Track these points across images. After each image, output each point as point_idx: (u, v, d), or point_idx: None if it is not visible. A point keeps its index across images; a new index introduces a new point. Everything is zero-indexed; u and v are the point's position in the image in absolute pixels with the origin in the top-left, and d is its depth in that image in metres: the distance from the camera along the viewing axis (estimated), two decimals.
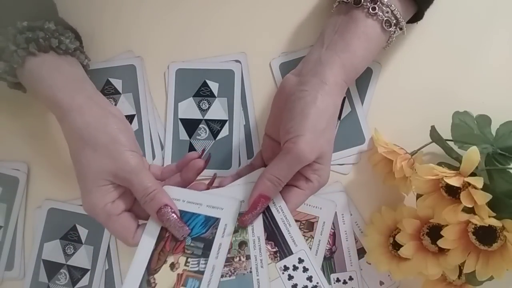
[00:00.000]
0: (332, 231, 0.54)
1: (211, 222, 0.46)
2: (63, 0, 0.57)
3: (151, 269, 0.45)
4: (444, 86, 0.56)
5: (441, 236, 0.46)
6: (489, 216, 0.44)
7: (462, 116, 0.51)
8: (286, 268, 0.44)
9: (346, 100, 0.56)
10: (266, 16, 0.57)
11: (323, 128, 0.46)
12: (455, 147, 0.50)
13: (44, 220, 0.54)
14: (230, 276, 0.44)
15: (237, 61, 0.56)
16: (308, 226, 0.54)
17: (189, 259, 0.45)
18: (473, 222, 0.44)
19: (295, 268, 0.44)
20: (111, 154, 0.45)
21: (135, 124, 0.56)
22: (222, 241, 0.44)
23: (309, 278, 0.44)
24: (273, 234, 0.45)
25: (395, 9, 0.48)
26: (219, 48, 0.57)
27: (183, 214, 0.46)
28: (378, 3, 0.48)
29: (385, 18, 0.48)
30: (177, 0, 0.57)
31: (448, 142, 0.50)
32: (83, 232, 0.54)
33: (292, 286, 0.44)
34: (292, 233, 0.45)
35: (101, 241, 0.54)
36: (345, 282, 0.54)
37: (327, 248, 0.54)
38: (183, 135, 0.56)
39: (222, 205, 0.46)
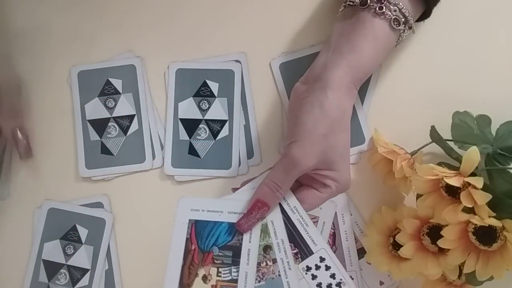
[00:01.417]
0: (332, 231, 0.54)
1: (236, 229, 0.46)
2: (63, 0, 0.57)
3: (184, 285, 0.45)
4: (444, 86, 0.56)
5: (441, 236, 0.46)
6: (489, 216, 0.44)
7: (462, 116, 0.51)
8: (308, 268, 0.44)
9: None
10: (266, 16, 0.57)
11: (323, 133, 0.45)
12: (455, 147, 0.50)
13: (44, 220, 0.54)
14: (259, 281, 0.44)
15: (237, 61, 0.56)
16: None
17: (220, 269, 0.45)
18: (473, 222, 0.44)
19: (317, 267, 0.44)
20: None
21: (135, 124, 0.56)
22: (250, 246, 0.44)
23: (332, 276, 0.44)
24: (292, 235, 0.45)
25: (403, 7, 0.48)
26: (219, 48, 0.57)
27: (206, 224, 0.46)
28: (385, 2, 0.47)
29: (393, 17, 0.47)
30: (177, 0, 0.57)
31: (448, 142, 0.50)
32: (83, 232, 0.54)
33: (317, 285, 0.44)
34: (310, 232, 0.44)
35: (101, 241, 0.54)
36: None
37: None
38: (183, 135, 0.56)
39: (244, 210, 0.46)
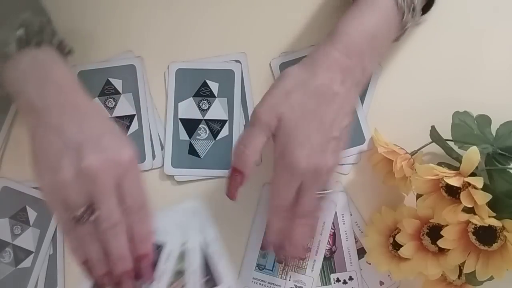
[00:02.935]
0: (332, 231, 0.54)
1: (155, 248, 0.48)
2: (63, 0, 0.57)
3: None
4: (444, 86, 0.56)
5: (441, 236, 0.46)
6: (489, 216, 0.44)
7: (462, 116, 0.51)
8: None
9: None
10: (266, 16, 0.57)
11: (286, 89, 0.46)
12: (455, 147, 0.50)
13: None
14: None
15: (237, 61, 0.56)
16: None
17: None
18: (473, 222, 0.44)
19: None
20: None
21: (135, 124, 0.56)
22: (165, 267, 0.49)
23: None
24: (205, 264, 0.51)
25: None
26: (219, 48, 0.57)
27: None
28: None
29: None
30: (177, 0, 0.57)
31: (448, 142, 0.50)
32: (32, 215, 0.54)
33: None
34: (223, 265, 0.51)
35: (49, 226, 0.54)
36: (345, 282, 0.54)
37: (327, 248, 0.54)
38: (183, 135, 0.56)
39: (169, 231, 0.50)
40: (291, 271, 0.53)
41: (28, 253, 0.53)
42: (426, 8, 0.52)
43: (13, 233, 0.54)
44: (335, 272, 0.54)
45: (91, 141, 0.43)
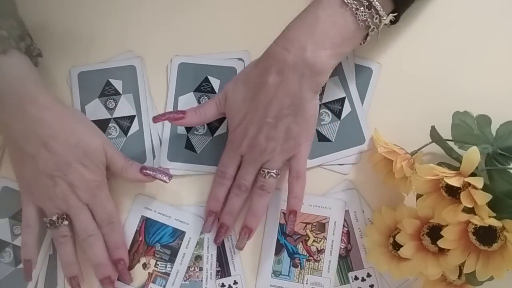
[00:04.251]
0: (346, 229, 0.54)
1: (178, 234, 0.54)
2: (63, 0, 0.57)
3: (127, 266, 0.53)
4: (444, 86, 0.56)
5: (441, 236, 0.46)
6: (489, 216, 0.44)
7: (462, 116, 0.51)
8: (223, 285, 0.54)
9: (346, 100, 0.56)
10: (270, 15, 0.57)
11: (237, 78, 0.52)
12: (455, 147, 0.50)
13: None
14: (185, 280, 0.54)
15: (240, 59, 0.56)
16: (319, 227, 0.54)
17: (158, 262, 0.54)
18: (473, 222, 0.44)
19: (230, 287, 0.54)
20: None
21: (135, 125, 0.56)
22: (186, 251, 0.54)
23: None
24: (220, 256, 0.54)
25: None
26: (223, 45, 0.57)
27: (154, 223, 0.54)
28: None
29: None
30: (178, 0, 0.57)
31: (448, 142, 0.50)
32: None
33: None
34: (234, 259, 0.54)
35: None
36: (363, 279, 0.54)
37: (342, 247, 0.54)
38: (181, 128, 0.56)
39: (188, 221, 0.54)
40: (308, 274, 0.54)
41: None
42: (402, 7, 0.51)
43: (13, 233, 0.54)
44: (353, 270, 0.54)
45: (61, 169, 0.49)
